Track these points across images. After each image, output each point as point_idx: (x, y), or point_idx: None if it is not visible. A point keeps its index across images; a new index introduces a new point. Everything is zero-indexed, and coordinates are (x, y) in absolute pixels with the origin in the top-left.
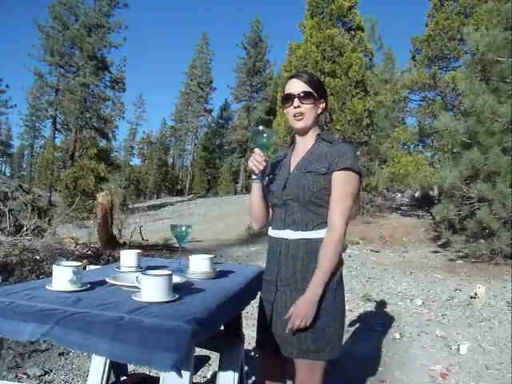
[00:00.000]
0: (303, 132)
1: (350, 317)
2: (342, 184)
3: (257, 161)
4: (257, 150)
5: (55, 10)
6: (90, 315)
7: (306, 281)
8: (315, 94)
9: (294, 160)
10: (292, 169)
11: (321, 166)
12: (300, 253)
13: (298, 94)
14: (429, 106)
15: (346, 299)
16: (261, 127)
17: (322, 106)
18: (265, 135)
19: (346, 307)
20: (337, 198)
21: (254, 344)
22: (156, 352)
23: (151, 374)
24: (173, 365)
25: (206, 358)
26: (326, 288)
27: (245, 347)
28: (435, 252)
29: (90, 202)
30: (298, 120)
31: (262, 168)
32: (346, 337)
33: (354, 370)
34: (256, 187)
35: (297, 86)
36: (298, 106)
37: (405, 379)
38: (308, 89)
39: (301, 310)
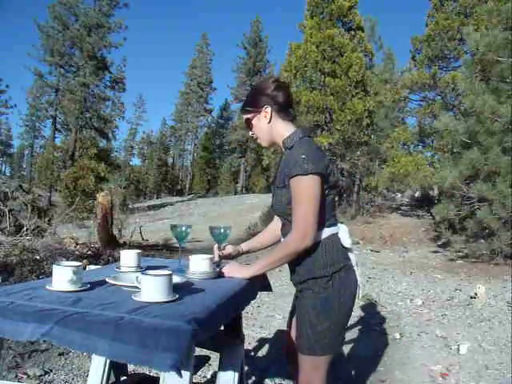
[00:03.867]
0: (273, 145)
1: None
2: (293, 188)
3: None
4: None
5: (55, 10)
6: (89, 315)
7: (317, 284)
8: (250, 115)
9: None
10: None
11: (281, 180)
12: (299, 259)
13: (245, 124)
14: (429, 106)
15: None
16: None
17: (266, 110)
18: (222, 231)
19: None
20: (293, 204)
21: (254, 344)
22: (156, 352)
23: (151, 374)
24: (173, 365)
25: (206, 358)
26: (318, 287)
27: (245, 347)
28: (435, 252)
29: (90, 202)
30: (258, 141)
31: (217, 259)
32: (345, 337)
33: (353, 369)
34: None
35: (243, 119)
36: (252, 134)
37: (405, 379)
38: (245, 116)
39: (232, 267)
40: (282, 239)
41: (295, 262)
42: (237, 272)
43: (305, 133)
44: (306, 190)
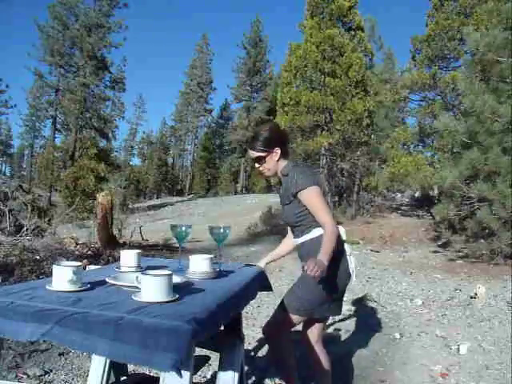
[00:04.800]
0: (275, 175)
1: (350, 316)
2: (306, 201)
3: None
4: None
5: (55, 10)
6: (89, 315)
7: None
8: (263, 154)
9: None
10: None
11: (287, 198)
12: (304, 250)
13: (254, 160)
14: (429, 106)
15: (344, 299)
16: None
17: (277, 151)
18: (221, 231)
19: (346, 307)
20: (313, 209)
21: (254, 344)
22: (156, 352)
23: (151, 374)
24: (173, 365)
25: (206, 358)
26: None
27: (245, 347)
28: (435, 252)
29: (90, 202)
30: (263, 174)
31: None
32: (345, 337)
33: (354, 369)
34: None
35: (251, 155)
36: (258, 167)
37: (405, 379)
38: (256, 154)
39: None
40: (295, 241)
41: (304, 250)
42: (321, 269)
43: (295, 163)
44: (313, 196)
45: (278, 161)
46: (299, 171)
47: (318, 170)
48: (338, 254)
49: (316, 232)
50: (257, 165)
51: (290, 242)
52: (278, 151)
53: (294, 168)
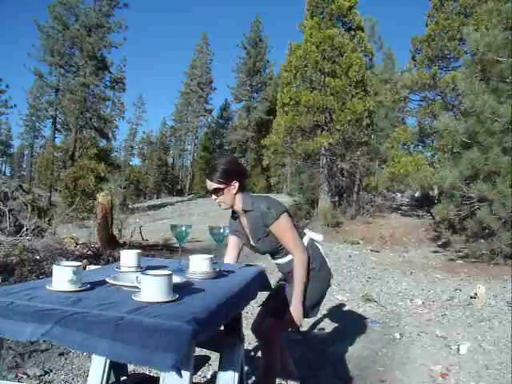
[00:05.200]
0: (231, 208)
1: (350, 316)
2: (278, 233)
3: None
4: None
5: (55, 10)
6: (89, 315)
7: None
8: (221, 186)
9: (246, 230)
10: (251, 240)
11: (260, 233)
12: (284, 268)
13: (211, 192)
14: (429, 106)
15: (346, 299)
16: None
17: (235, 184)
18: (221, 231)
19: (347, 307)
20: (283, 240)
21: (254, 344)
22: (156, 352)
23: (151, 374)
24: (173, 365)
25: (206, 358)
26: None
27: (245, 347)
28: (435, 252)
29: (90, 202)
30: (220, 206)
31: None
32: (345, 337)
33: (354, 369)
34: None
35: (208, 186)
36: (215, 199)
37: (405, 379)
38: (215, 185)
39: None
40: (273, 261)
41: (286, 271)
42: (299, 317)
43: (248, 195)
44: (284, 227)
45: (235, 194)
46: (263, 201)
47: (318, 169)
48: (318, 265)
49: None
50: (214, 196)
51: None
52: (235, 184)
53: (255, 202)
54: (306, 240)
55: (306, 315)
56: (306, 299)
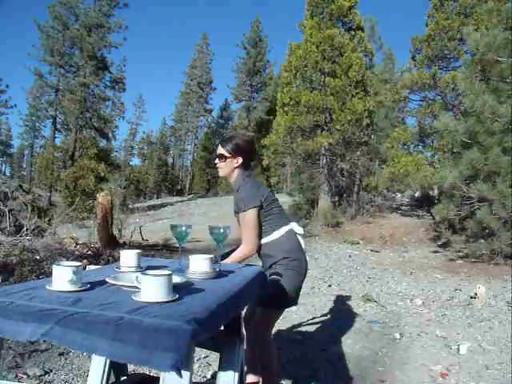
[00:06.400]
0: (226, 178)
1: (350, 316)
2: (241, 222)
3: None
4: None
5: (55, 10)
6: (89, 315)
7: (277, 266)
8: (228, 155)
9: None
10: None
11: (235, 210)
12: (264, 249)
13: (216, 155)
14: (429, 106)
15: (346, 299)
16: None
17: (239, 159)
18: (221, 231)
19: (347, 307)
20: (243, 229)
21: None
22: (156, 352)
23: (151, 374)
24: (173, 365)
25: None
26: (279, 268)
27: (245, 347)
28: (435, 252)
29: (90, 202)
30: (218, 170)
31: None
32: (345, 336)
33: (354, 369)
34: None
35: (218, 150)
36: (217, 163)
37: (405, 379)
38: (222, 152)
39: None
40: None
41: (264, 253)
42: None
43: (244, 175)
44: (247, 221)
45: (235, 168)
46: (246, 190)
47: (318, 169)
48: (294, 255)
49: (275, 234)
50: (217, 160)
51: None
52: (239, 160)
53: (242, 185)
54: (286, 229)
55: (284, 304)
56: (281, 287)
